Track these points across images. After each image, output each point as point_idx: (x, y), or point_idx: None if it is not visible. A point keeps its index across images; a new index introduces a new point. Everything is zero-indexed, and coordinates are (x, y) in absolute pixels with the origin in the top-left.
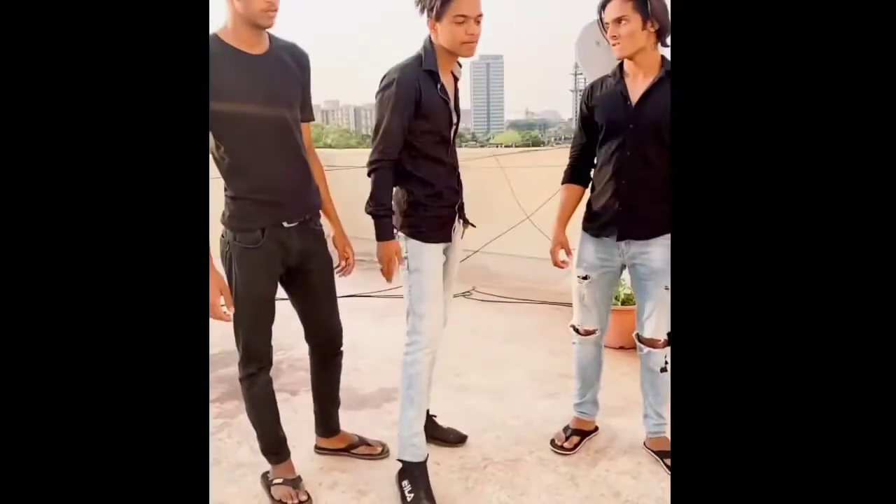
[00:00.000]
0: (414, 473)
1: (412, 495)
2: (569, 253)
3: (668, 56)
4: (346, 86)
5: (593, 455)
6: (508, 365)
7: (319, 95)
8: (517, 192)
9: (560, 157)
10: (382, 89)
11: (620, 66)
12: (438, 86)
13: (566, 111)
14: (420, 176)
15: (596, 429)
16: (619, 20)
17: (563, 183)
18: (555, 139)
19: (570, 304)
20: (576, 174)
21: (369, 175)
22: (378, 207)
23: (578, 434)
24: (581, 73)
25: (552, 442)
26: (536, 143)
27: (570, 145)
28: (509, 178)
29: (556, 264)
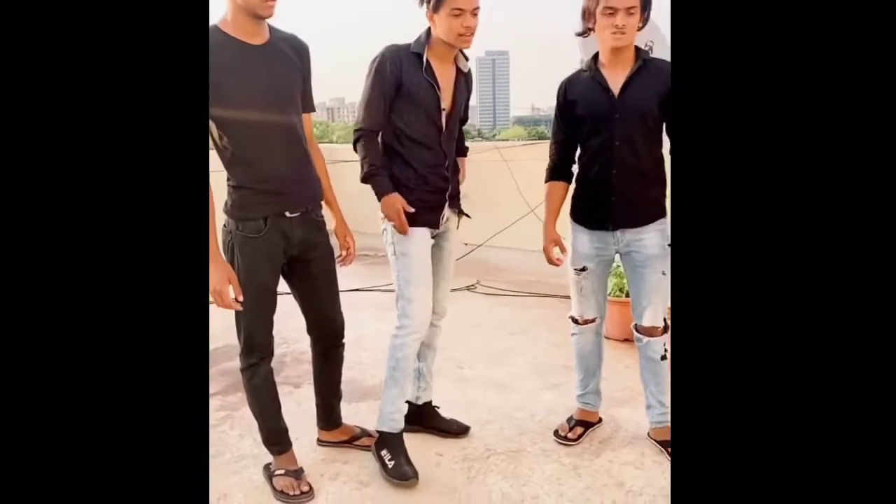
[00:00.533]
0: (393, 442)
1: (392, 462)
2: (563, 250)
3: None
4: (351, 84)
5: (597, 446)
6: (513, 357)
7: (325, 93)
8: (521, 186)
9: None
10: (369, 66)
11: (594, 58)
12: (424, 68)
13: None
14: (404, 157)
15: (600, 420)
16: (629, 10)
17: (547, 181)
18: None
19: None
20: (559, 171)
21: (355, 145)
22: (369, 168)
23: (582, 425)
24: None
25: (556, 433)
26: (543, 139)
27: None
28: (513, 170)
29: (550, 262)
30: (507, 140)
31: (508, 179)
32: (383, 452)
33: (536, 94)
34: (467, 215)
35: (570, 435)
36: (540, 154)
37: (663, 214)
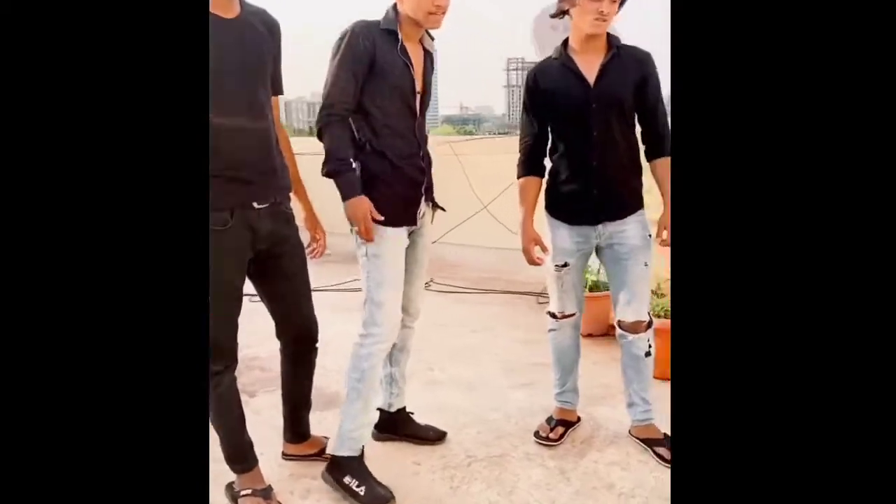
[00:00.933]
0: (354, 466)
1: (363, 487)
2: (545, 249)
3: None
4: (293, 82)
5: (579, 447)
6: (477, 356)
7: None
8: (473, 182)
9: (517, 145)
10: (336, 43)
11: (564, 45)
12: (399, 46)
13: (500, 106)
14: (377, 148)
15: (579, 419)
16: None
17: (519, 177)
18: (489, 134)
19: (531, 294)
20: (532, 165)
21: (320, 133)
22: (336, 163)
23: (563, 424)
24: (514, 69)
25: (536, 434)
26: (473, 137)
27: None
28: (464, 165)
29: (531, 262)
30: None
31: (459, 175)
32: (347, 479)
33: (465, 93)
34: (442, 208)
35: (551, 435)
36: (491, 149)
37: (642, 205)
